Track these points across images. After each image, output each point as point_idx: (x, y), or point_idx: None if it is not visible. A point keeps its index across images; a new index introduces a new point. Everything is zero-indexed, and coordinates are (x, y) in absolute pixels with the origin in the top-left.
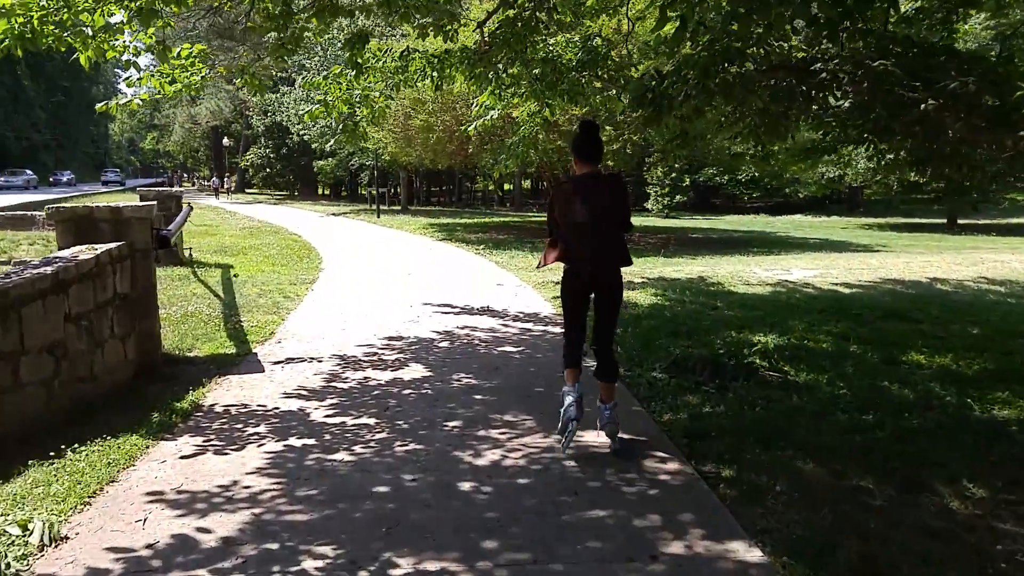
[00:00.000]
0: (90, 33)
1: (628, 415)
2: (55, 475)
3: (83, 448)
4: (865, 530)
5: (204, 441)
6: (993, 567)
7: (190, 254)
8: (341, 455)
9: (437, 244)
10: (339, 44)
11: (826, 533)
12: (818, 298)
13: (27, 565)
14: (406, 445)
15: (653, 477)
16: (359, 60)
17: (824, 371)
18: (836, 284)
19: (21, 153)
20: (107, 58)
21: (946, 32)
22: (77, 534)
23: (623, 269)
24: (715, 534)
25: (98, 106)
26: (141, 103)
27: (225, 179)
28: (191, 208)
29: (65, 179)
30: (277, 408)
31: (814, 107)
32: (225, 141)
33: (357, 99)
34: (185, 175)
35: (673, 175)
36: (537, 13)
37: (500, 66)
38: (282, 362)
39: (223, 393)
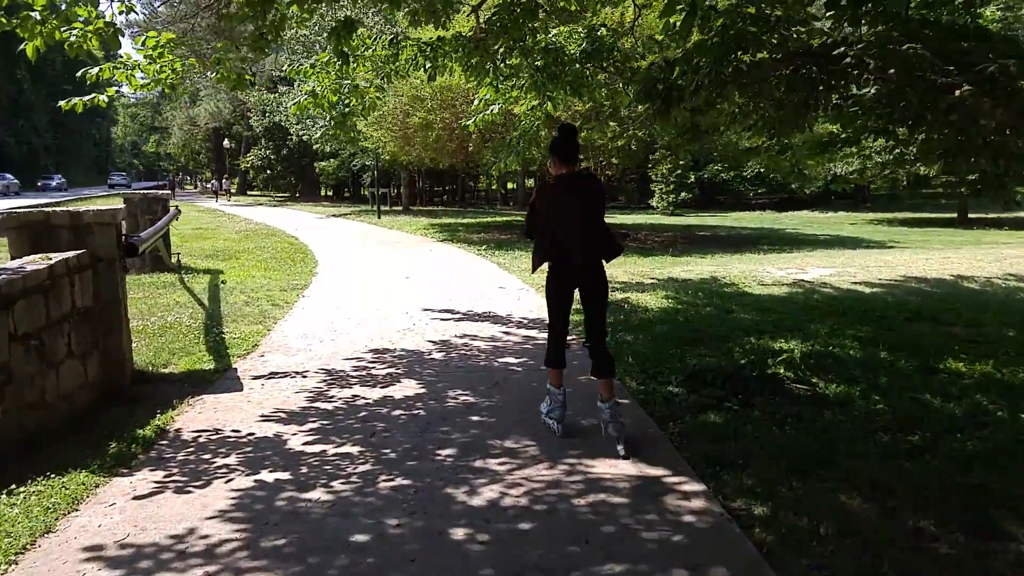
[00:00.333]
0: (37, 17)
1: (644, 437)
2: None
3: (21, 490)
4: None
5: (164, 476)
6: None
7: (178, 259)
8: (317, 493)
9: (438, 245)
10: (324, 33)
11: None
12: (839, 299)
13: None
14: (392, 480)
15: (676, 518)
16: (345, 49)
17: (856, 383)
18: (856, 283)
19: (21, 157)
20: (66, 49)
21: (968, 17)
22: None
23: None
24: None
25: (61, 103)
26: (108, 99)
27: (224, 181)
28: (178, 211)
29: (55, 183)
30: (252, 434)
31: (835, 96)
32: (226, 143)
33: (346, 90)
34: (187, 178)
35: (678, 172)
36: None
37: (498, 56)
38: (263, 378)
39: (194, 416)
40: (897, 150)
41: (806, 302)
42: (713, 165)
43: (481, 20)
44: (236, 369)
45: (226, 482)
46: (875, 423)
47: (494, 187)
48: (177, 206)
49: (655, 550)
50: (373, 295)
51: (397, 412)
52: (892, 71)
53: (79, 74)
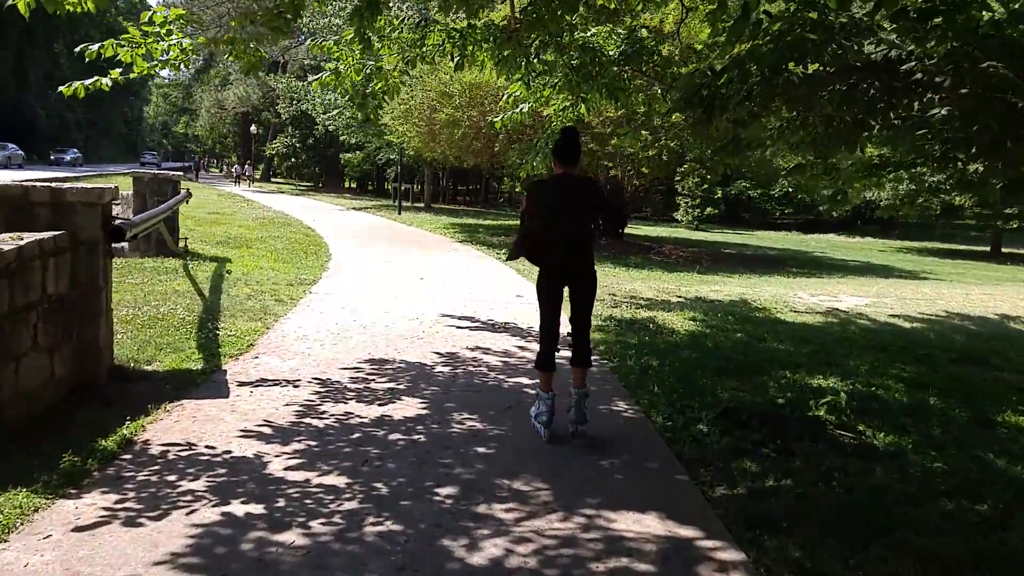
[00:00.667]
0: None
1: (671, 486)
2: None
3: None
4: None
5: (116, 502)
6: None
7: (185, 245)
8: (292, 535)
9: (456, 246)
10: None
11: None
12: (876, 332)
13: None
14: (381, 523)
15: None
16: (368, 32)
17: (906, 432)
18: (893, 316)
19: (52, 132)
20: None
21: None
22: None
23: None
24: None
25: (62, 88)
26: (111, 82)
27: (247, 167)
28: (188, 194)
29: (69, 157)
30: (228, 452)
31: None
32: (253, 128)
33: (369, 70)
34: (214, 161)
35: (705, 186)
36: None
37: (532, 50)
38: (252, 384)
39: (168, 426)
40: (934, 178)
41: (842, 334)
42: (740, 182)
43: (516, 10)
44: (225, 371)
45: (187, 514)
46: (934, 485)
47: (517, 189)
48: (188, 189)
49: None
50: (383, 295)
51: (395, 436)
52: (965, 91)
53: (76, 50)
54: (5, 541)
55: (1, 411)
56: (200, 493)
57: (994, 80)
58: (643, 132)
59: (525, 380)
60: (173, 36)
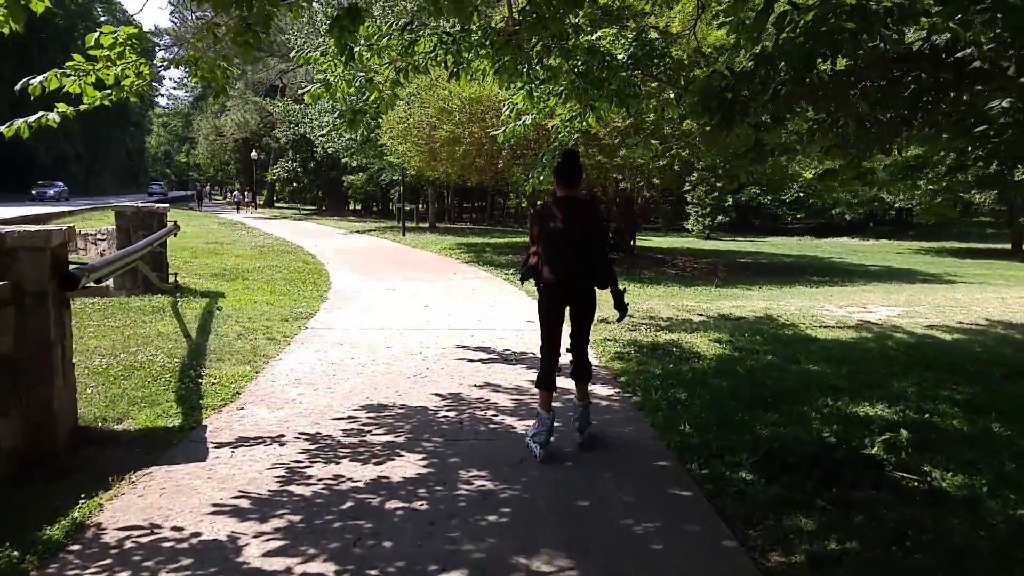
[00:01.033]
0: None
1: (719, 556)
2: None
3: None
4: None
5: None
6: None
7: (175, 280)
8: None
9: (462, 267)
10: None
11: None
12: (917, 347)
13: None
14: None
15: None
16: (349, 43)
17: (975, 470)
18: (931, 327)
19: (51, 164)
20: None
21: None
22: None
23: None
24: None
25: (2, 128)
26: (59, 118)
27: (247, 193)
28: (176, 227)
29: (52, 192)
30: (197, 536)
31: (941, 112)
32: (253, 154)
33: (359, 83)
34: (216, 188)
35: (715, 194)
36: None
37: (533, 54)
38: (234, 443)
39: (130, 502)
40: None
41: (880, 350)
42: (751, 188)
43: (514, 10)
44: (205, 427)
45: None
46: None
47: (524, 205)
48: (175, 221)
49: None
50: (384, 328)
51: (392, 504)
52: None
53: (17, 87)
54: None
55: None
56: None
57: None
58: (653, 142)
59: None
60: (126, 59)
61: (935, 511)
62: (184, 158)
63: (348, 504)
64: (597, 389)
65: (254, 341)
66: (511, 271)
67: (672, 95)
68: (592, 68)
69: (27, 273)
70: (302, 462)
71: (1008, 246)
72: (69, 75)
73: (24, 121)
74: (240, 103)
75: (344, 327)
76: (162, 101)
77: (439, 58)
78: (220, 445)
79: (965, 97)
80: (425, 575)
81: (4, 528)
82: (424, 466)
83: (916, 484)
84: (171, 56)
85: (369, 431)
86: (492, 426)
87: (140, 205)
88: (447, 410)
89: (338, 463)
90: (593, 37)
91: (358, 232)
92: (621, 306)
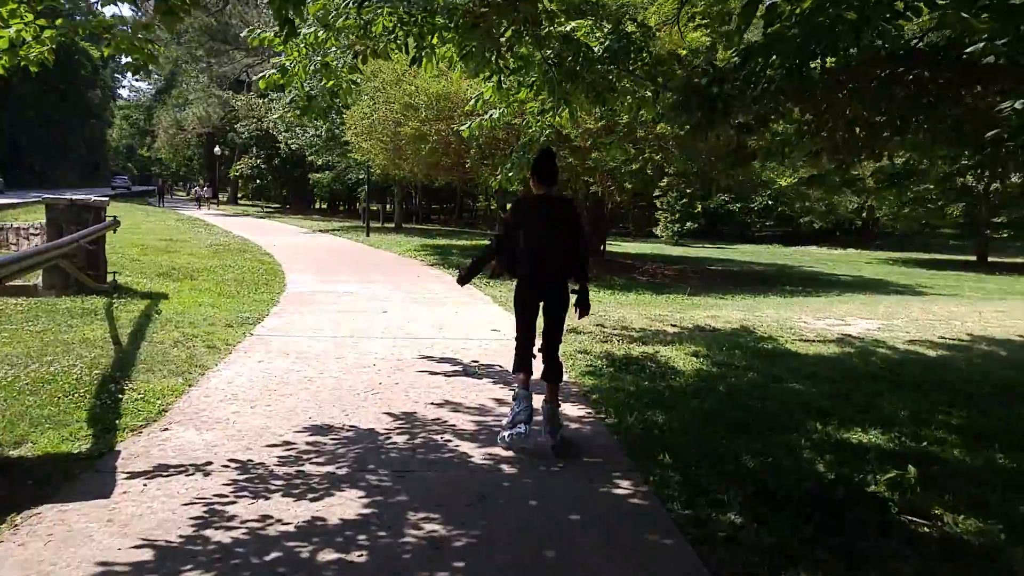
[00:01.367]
0: None
1: None
2: None
3: None
4: None
5: None
6: None
7: (114, 280)
8: None
9: (427, 270)
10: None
11: None
12: (902, 364)
13: None
14: None
15: None
16: (291, 14)
17: (987, 511)
18: (913, 342)
19: (4, 155)
20: None
21: None
22: None
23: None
24: None
25: None
26: None
27: (207, 189)
28: (116, 222)
29: None
30: None
31: (947, 112)
32: (216, 150)
33: (313, 67)
34: (181, 184)
35: (684, 201)
36: None
37: (503, 41)
38: (149, 473)
39: (6, 554)
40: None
41: (865, 368)
42: (719, 196)
43: None
44: (118, 453)
45: None
46: None
47: (493, 208)
48: (116, 216)
49: None
50: (337, 336)
51: (326, 555)
52: None
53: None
54: None
55: None
56: None
57: None
58: (626, 146)
59: (503, 451)
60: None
61: (953, 567)
62: (146, 152)
63: (273, 555)
64: (567, 409)
65: (192, 349)
66: (477, 276)
67: (649, 93)
68: (566, 59)
69: None
70: (226, 498)
71: (973, 258)
72: None
73: None
74: (202, 97)
75: (293, 334)
76: (124, 92)
77: (399, 39)
78: (133, 476)
79: (968, 99)
80: None
81: None
82: (367, 504)
83: (927, 529)
84: (82, 22)
85: (308, 459)
86: (448, 454)
87: (74, 198)
88: (398, 433)
89: (268, 499)
90: (567, 28)
91: (321, 232)
92: (585, 303)
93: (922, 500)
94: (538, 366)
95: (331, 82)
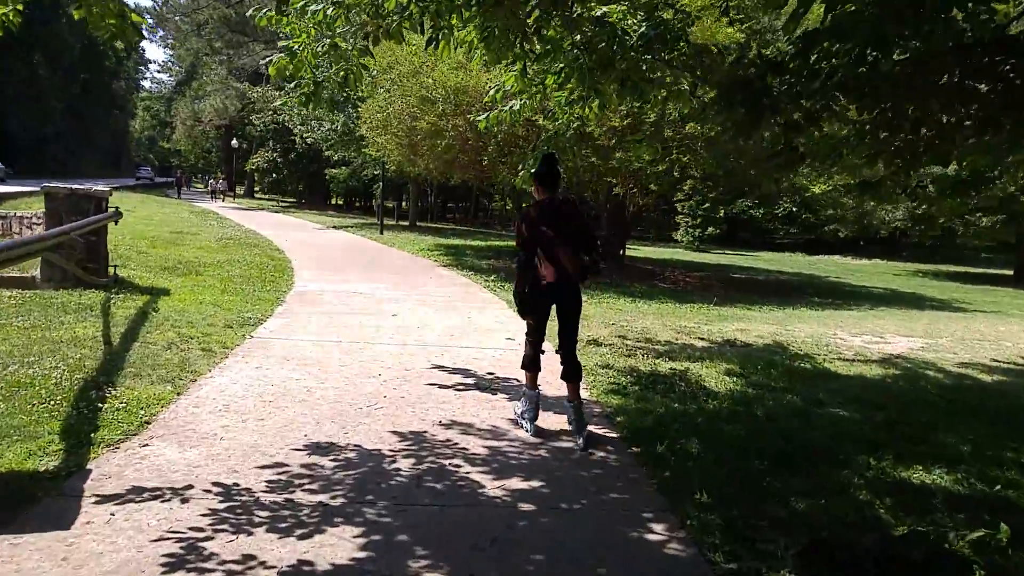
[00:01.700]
0: None
1: None
2: None
3: None
4: None
5: None
6: None
7: (115, 273)
8: None
9: (440, 271)
10: None
11: None
12: (956, 389)
13: None
14: None
15: None
16: None
17: None
18: (963, 364)
19: (31, 144)
20: None
21: None
22: None
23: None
24: None
25: None
26: None
27: (222, 182)
28: (118, 214)
29: None
30: None
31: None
32: (234, 143)
33: (322, 49)
34: (198, 176)
35: (706, 205)
36: None
37: (530, 23)
38: (119, 499)
39: None
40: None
41: (916, 394)
42: (743, 200)
43: None
44: (89, 473)
45: None
46: None
47: (509, 207)
48: (117, 208)
49: None
50: (343, 341)
51: None
52: None
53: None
54: None
55: None
56: None
57: None
58: (656, 144)
59: (520, 483)
60: None
61: None
62: (166, 144)
63: None
64: (607, 431)
65: (186, 352)
66: (492, 277)
67: (686, 85)
68: (598, 44)
69: None
70: (203, 532)
71: (1009, 272)
72: None
73: None
74: (220, 88)
75: (296, 338)
76: (146, 84)
77: (413, 17)
78: (101, 501)
79: None
80: None
81: None
82: (362, 545)
83: None
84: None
85: (300, 485)
86: (459, 483)
87: (75, 187)
88: (403, 456)
89: (251, 534)
90: (599, 13)
91: (335, 228)
92: (588, 271)
93: (1017, 565)
94: (553, 367)
95: (341, 68)
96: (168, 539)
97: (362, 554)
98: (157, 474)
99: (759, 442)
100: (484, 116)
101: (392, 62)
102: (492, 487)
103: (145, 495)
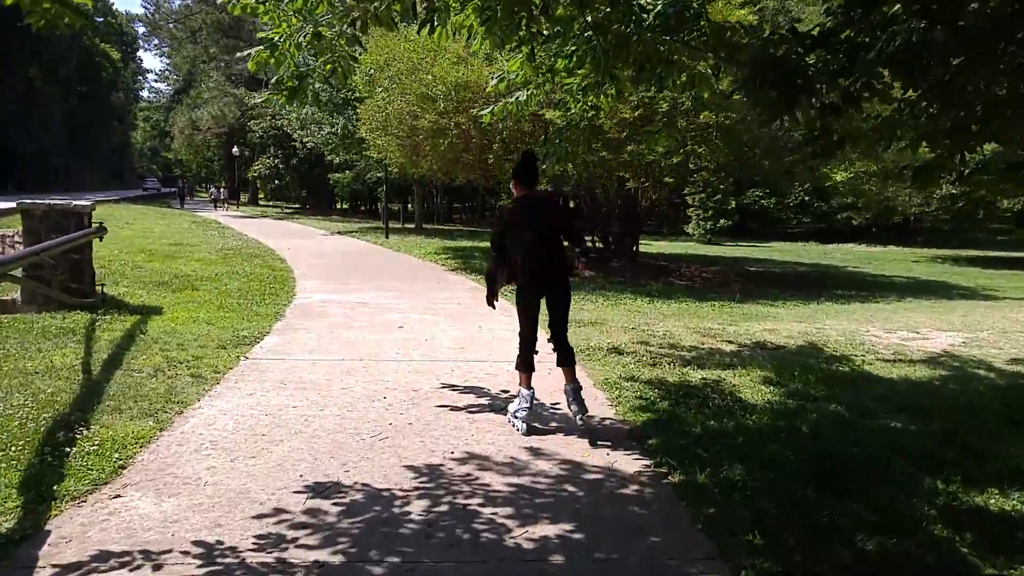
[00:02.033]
0: None
1: None
2: None
3: None
4: None
5: None
6: None
7: (102, 292)
8: None
9: (448, 277)
10: None
11: None
12: (1013, 391)
13: None
14: None
15: None
16: None
17: None
18: (1015, 361)
19: (31, 157)
20: None
21: None
22: None
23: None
24: None
25: None
26: None
27: (222, 190)
28: (102, 229)
29: None
30: None
31: None
32: (235, 150)
33: (304, 38)
34: (202, 185)
35: (717, 197)
36: None
37: (536, 2)
38: (80, 568)
39: None
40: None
41: (970, 398)
42: (754, 191)
43: None
44: (47, 534)
45: None
46: None
47: None
48: (102, 223)
49: None
50: (345, 359)
51: None
52: None
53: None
54: None
55: None
56: None
57: None
58: (674, 134)
59: (549, 529)
60: None
61: None
62: (168, 154)
63: None
64: (617, 460)
65: (173, 380)
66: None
67: (708, 68)
68: (612, 24)
69: None
70: None
71: None
72: None
73: None
74: (217, 96)
75: (295, 357)
76: (144, 94)
77: (405, 4)
78: (60, 573)
79: None
80: None
81: None
82: None
83: None
84: None
85: (294, 540)
86: (477, 531)
87: (53, 203)
88: (417, 497)
89: None
90: None
91: (339, 233)
92: (583, 260)
93: None
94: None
95: (327, 60)
96: None
97: None
98: (127, 534)
99: (808, 464)
100: (488, 109)
101: (389, 59)
102: (516, 533)
103: (111, 562)
